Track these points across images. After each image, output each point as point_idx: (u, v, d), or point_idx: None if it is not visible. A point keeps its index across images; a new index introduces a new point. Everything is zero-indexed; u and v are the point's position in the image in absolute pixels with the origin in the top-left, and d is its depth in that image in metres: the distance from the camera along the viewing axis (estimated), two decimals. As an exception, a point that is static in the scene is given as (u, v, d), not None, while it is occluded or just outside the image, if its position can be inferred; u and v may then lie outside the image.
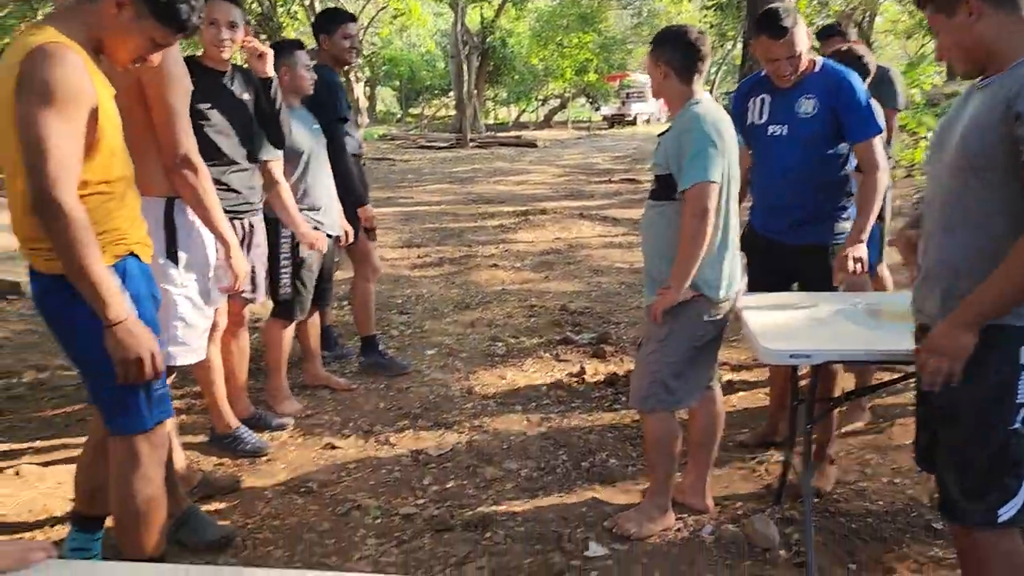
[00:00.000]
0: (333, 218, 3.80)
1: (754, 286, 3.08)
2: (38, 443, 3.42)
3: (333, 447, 3.46)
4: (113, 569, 1.36)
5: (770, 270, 3.15)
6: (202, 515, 2.72)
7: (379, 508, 2.95)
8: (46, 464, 3.20)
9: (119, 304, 1.88)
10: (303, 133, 3.59)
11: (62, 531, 2.70)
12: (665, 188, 2.59)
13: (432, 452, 3.39)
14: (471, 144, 21.42)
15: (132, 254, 2.05)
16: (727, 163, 2.55)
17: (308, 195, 3.65)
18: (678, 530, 2.76)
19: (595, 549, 2.64)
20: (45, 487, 3.05)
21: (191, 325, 2.68)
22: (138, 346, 1.90)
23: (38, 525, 2.80)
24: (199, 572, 1.33)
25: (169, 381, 2.34)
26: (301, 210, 3.54)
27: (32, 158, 1.78)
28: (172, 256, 2.59)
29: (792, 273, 3.14)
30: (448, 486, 3.11)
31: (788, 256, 3.09)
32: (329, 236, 3.75)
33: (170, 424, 2.67)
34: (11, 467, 3.19)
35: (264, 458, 3.33)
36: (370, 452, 3.42)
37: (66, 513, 2.79)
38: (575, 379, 4.23)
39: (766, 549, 2.62)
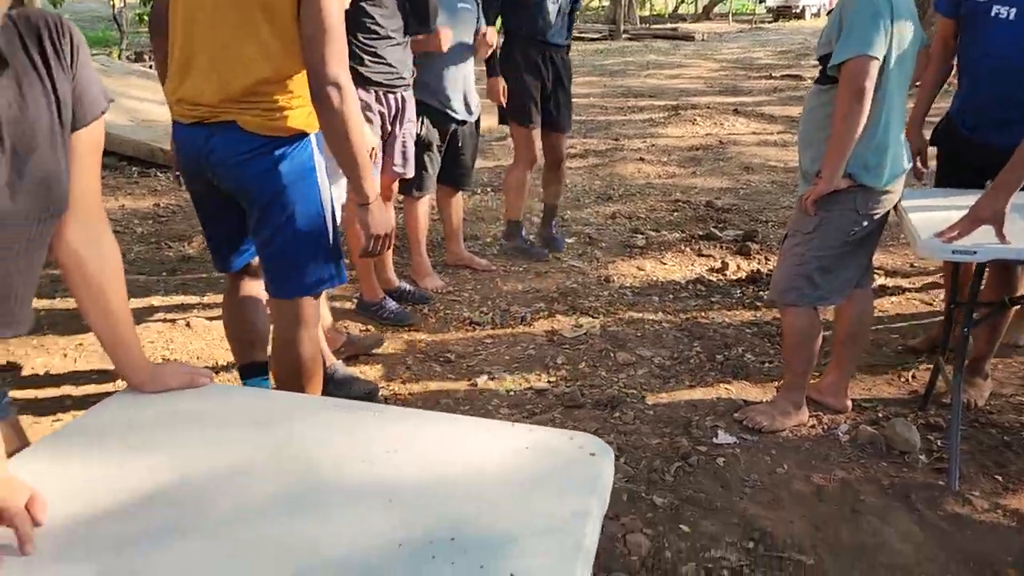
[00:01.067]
0: (464, 102, 3.73)
1: (942, 183, 2.84)
2: (206, 299, 3.73)
3: (471, 322, 3.58)
4: (280, 398, 1.48)
5: (964, 167, 2.83)
6: (347, 371, 2.90)
7: (513, 382, 3.05)
8: (212, 319, 3.49)
9: (373, 183, 1.98)
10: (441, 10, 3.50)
11: (226, 377, 2.96)
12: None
13: (566, 334, 3.45)
14: (624, 36, 20.69)
15: None
16: (896, 40, 2.32)
17: (435, 77, 3.59)
18: (812, 427, 2.70)
19: (723, 437, 2.64)
20: (211, 338, 3.34)
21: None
22: (387, 223, 2.01)
23: (206, 370, 3.08)
24: (360, 407, 1.42)
25: None
26: (421, 95, 3.50)
27: (317, 34, 1.80)
28: None
29: (989, 177, 2.82)
30: (580, 366, 3.16)
31: (988, 156, 2.63)
32: (457, 121, 3.73)
33: None
34: (183, 319, 3.50)
35: (406, 327, 3.50)
36: (506, 330, 3.52)
37: (229, 363, 3.05)
38: (716, 274, 4.14)
39: (905, 452, 2.52)
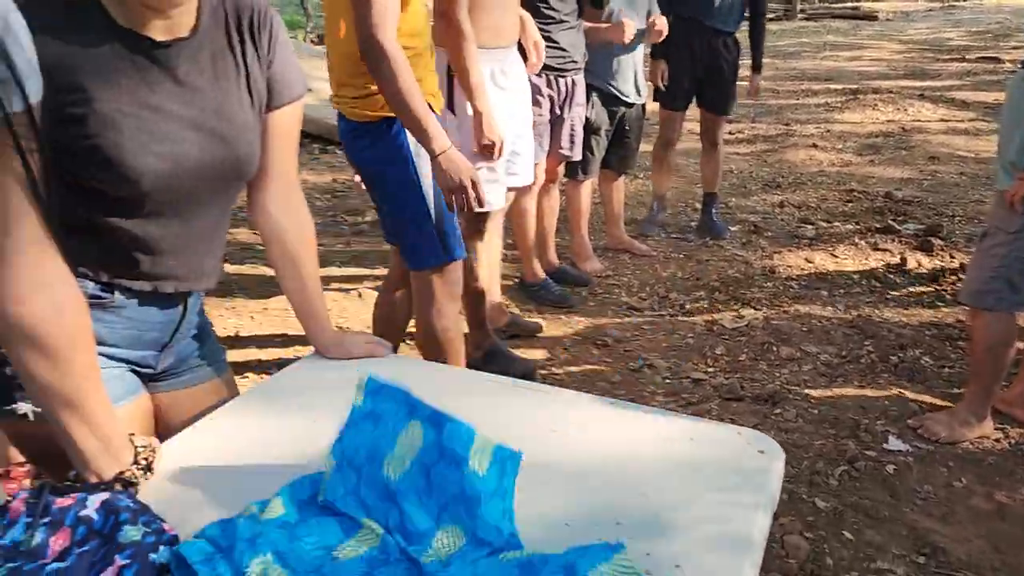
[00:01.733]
0: (634, 85, 3.70)
1: None
2: (376, 271, 3.91)
3: (630, 307, 3.56)
4: (448, 371, 1.54)
5: None
6: (507, 350, 2.97)
7: (669, 369, 3.01)
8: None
9: (441, 135, 2.02)
10: None
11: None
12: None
13: (727, 324, 3.36)
14: (800, 16, 19.70)
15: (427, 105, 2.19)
16: None
17: (606, 60, 3.54)
18: (996, 440, 2.51)
19: (895, 444, 2.49)
20: (381, 309, 3.51)
21: None
22: (461, 172, 2.04)
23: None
24: (526, 386, 1.46)
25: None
26: (592, 79, 3.46)
27: (360, 7, 1.90)
28: (451, 107, 2.65)
29: None
30: (740, 359, 3.08)
31: None
32: (626, 104, 3.68)
33: (486, 266, 2.90)
34: (355, 289, 3.69)
35: (565, 309, 3.53)
36: (665, 316, 3.48)
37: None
38: (893, 270, 3.89)
39: (1107, 477, 2.30)
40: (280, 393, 1.37)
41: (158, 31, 1.12)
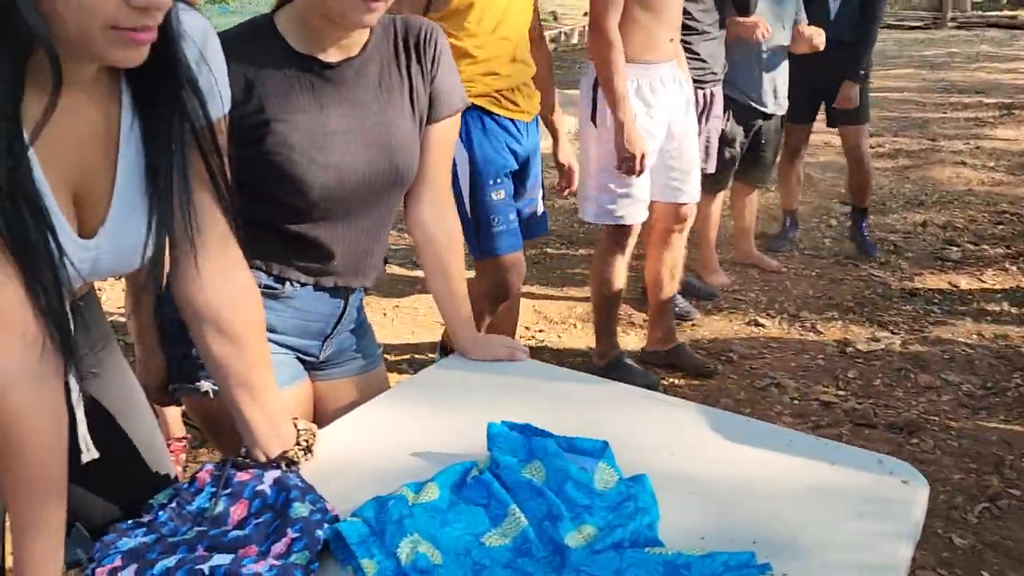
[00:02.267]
0: (774, 95, 3.59)
1: None
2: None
3: (757, 324, 3.49)
4: (578, 377, 1.57)
5: None
6: (631, 363, 2.98)
7: (798, 390, 2.94)
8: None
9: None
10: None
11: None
12: None
13: (861, 347, 3.25)
14: (951, 24, 18.63)
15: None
16: None
17: (746, 70, 3.47)
18: None
19: (1043, 484, 2.35)
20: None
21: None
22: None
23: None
24: (662, 399, 1.48)
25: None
26: (729, 90, 3.39)
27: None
28: (593, 120, 2.69)
29: None
30: (874, 383, 2.97)
31: None
32: (764, 115, 3.60)
33: (622, 278, 2.91)
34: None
35: (690, 322, 3.49)
36: (794, 335, 3.39)
37: (529, 343, 3.26)
38: (1046, 298, 3.66)
39: None
40: (429, 388, 1.45)
41: (333, 55, 1.23)
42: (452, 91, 1.37)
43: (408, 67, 1.32)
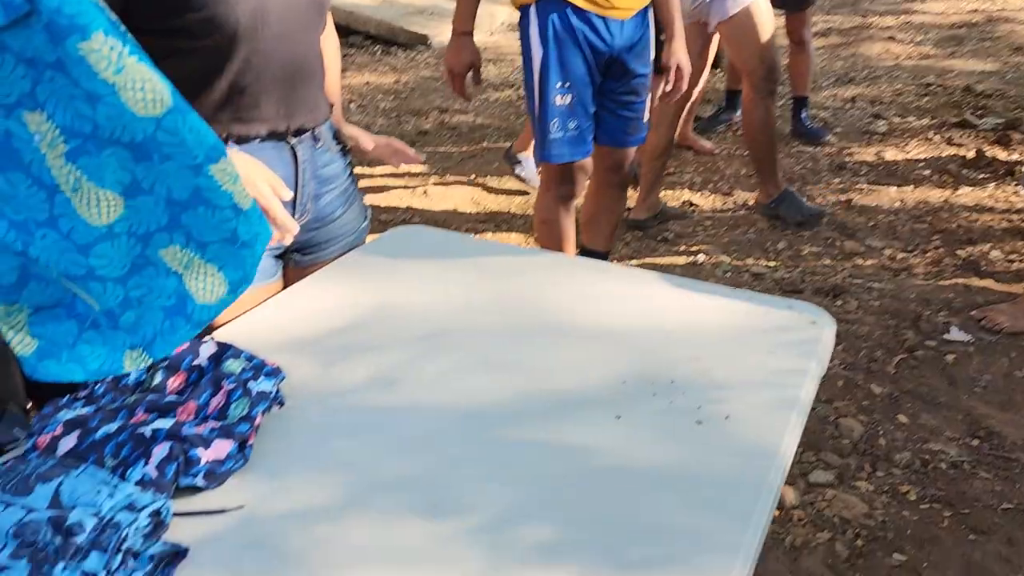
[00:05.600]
0: None
1: None
2: (441, 170, 3.99)
3: (691, 204, 3.56)
4: (508, 249, 1.61)
5: None
6: (797, 196, 3.28)
7: (730, 264, 3.04)
8: (447, 185, 3.74)
9: (466, 22, 2.21)
10: None
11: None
12: None
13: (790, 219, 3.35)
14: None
15: None
16: None
17: None
18: (1063, 332, 2.50)
19: (956, 334, 2.51)
20: (445, 205, 3.59)
21: None
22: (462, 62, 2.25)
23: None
24: (589, 263, 1.52)
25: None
26: None
27: None
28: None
29: None
30: (803, 252, 3.08)
31: None
32: None
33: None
34: (422, 188, 3.78)
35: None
36: (727, 213, 3.48)
37: (467, 227, 3.28)
38: (967, 165, 3.79)
39: None
40: (363, 264, 1.47)
41: None
42: None
43: None
